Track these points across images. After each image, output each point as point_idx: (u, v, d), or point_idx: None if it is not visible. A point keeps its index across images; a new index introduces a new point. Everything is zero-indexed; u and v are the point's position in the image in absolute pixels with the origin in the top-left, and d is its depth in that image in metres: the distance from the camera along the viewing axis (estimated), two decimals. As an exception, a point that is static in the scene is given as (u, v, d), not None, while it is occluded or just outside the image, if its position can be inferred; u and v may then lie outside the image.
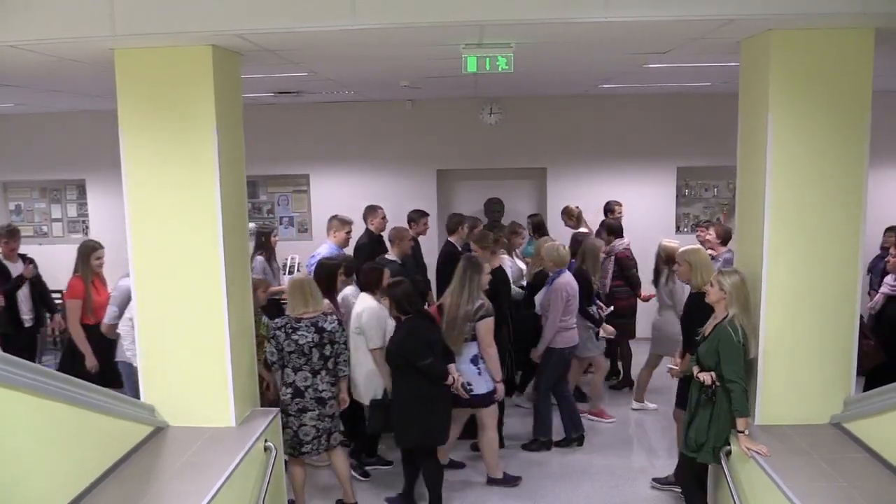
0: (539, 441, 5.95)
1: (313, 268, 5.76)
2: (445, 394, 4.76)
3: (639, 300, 7.25)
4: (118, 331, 5.14)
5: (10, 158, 9.21)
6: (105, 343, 5.45)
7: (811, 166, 3.95)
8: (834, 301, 4.04)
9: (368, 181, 8.94)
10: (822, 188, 3.96)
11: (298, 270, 7.16)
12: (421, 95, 8.31)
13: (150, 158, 4.07)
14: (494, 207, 8.93)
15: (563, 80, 7.02)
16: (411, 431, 4.76)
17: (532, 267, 6.61)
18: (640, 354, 7.58)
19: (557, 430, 6.04)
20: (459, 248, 6.72)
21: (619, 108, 8.71)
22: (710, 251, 6.14)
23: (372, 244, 6.81)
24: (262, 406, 4.68)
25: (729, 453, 3.99)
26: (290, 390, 4.59)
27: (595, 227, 7.87)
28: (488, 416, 5.18)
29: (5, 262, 6.44)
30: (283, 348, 4.54)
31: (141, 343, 4.25)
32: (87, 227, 9.45)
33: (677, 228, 9.00)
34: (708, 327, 4.13)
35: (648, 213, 8.63)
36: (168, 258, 4.12)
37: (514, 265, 6.64)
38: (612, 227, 7.41)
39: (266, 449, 4.21)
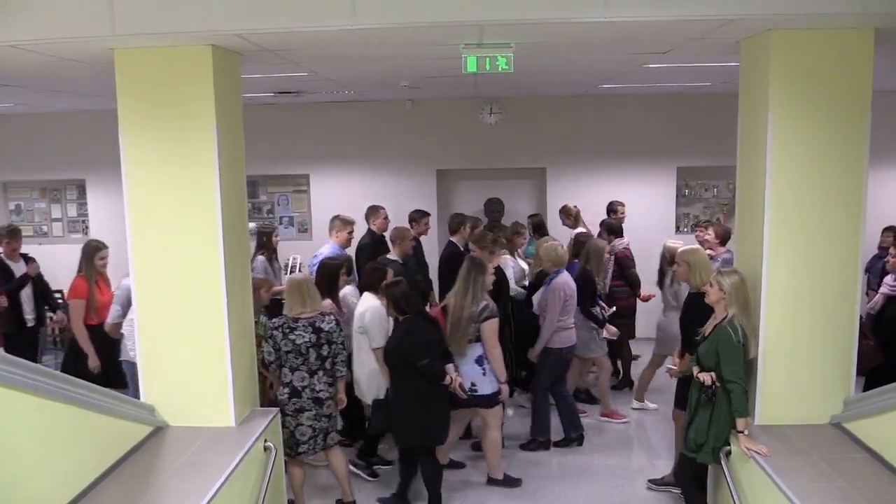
0: (538, 441, 5.95)
1: (315, 268, 5.76)
2: (444, 394, 4.77)
3: (638, 300, 7.26)
4: (122, 330, 5.15)
5: (10, 158, 9.21)
6: (108, 343, 5.46)
7: (811, 166, 3.95)
8: (834, 301, 4.04)
9: (368, 181, 8.94)
10: (822, 188, 3.96)
11: (300, 271, 7.16)
12: (421, 95, 8.30)
13: (150, 158, 4.07)
14: (494, 207, 8.93)
15: (563, 80, 7.02)
16: (410, 431, 4.76)
17: (534, 267, 6.61)
18: (639, 353, 7.64)
19: (557, 431, 6.04)
20: (461, 249, 6.73)
21: (619, 108, 8.70)
22: (708, 251, 6.14)
23: (374, 244, 6.82)
24: (265, 405, 4.68)
25: (729, 453, 3.99)
26: (287, 390, 4.59)
27: (593, 226, 7.86)
28: (492, 416, 5.18)
29: (7, 261, 6.45)
30: (281, 348, 4.54)
31: (141, 343, 4.25)
32: (86, 227, 9.45)
33: (677, 228, 9.00)
34: (708, 327, 4.13)
35: (648, 213, 8.63)
36: (168, 258, 4.12)
37: (516, 265, 6.65)
38: (612, 227, 7.42)
39: (266, 449, 4.21)
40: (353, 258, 6.76)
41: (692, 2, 3.53)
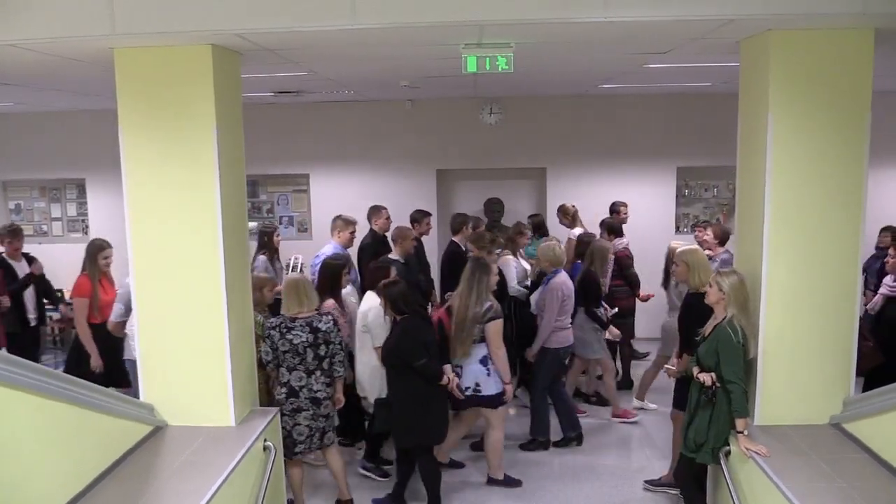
0: (537, 441, 5.95)
1: (318, 268, 5.77)
2: (442, 394, 4.77)
3: (637, 300, 7.26)
4: (126, 330, 5.15)
5: (9, 157, 9.20)
6: (111, 341, 5.47)
7: (811, 166, 3.95)
8: (834, 301, 4.04)
9: (368, 181, 8.93)
10: (822, 188, 3.96)
11: (301, 271, 7.17)
12: (421, 95, 8.30)
13: (150, 158, 4.07)
14: (494, 207, 8.93)
15: (563, 80, 7.02)
16: (408, 431, 4.76)
17: (536, 267, 6.62)
18: (648, 351, 7.63)
19: (557, 431, 6.04)
20: (463, 248, 6.73)
21: (619, 108, 8.70)
22: (707, 251, 6.13)
23: (376, 244, 6.82)
24: (268, 404, 4.68)
25: (728, 454, 3.99)
26: (284, 390, 4.60)
27: (592, 226, 7.85)
28: (496, 416, 5.19)
29: (9, 261, 6.46)
30: (278, 348, 4.54)
31: (141, 343, 4.25)
32: (86, 227, 9.45)
33: (677, 228, 9.00)
34: (708, 328, 4.13)
35: (648, 214, 8.63)
36: (168, 258, 4.12)
37: (518, 265, 6.64)
38: (612, 227, 7.42)
39: (265, 448, 4.21)
40: (355, 258, 6.77)
41: (692, 2, 3.53)
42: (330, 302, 5.28)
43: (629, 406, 6.69)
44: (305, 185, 9.29)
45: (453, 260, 6.60)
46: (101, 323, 5.55)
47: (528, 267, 6.90)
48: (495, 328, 4.96)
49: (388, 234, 6.81)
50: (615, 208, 7.89)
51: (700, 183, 9.07)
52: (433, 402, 4.73)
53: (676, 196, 8.98)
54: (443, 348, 4.98)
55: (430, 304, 6.93)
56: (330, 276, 5.40)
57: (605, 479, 5.42)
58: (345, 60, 5.24)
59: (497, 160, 8.98)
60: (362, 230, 6.95)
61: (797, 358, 4.07)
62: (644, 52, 4.99)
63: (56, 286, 7.17)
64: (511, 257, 6.63)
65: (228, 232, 4.14)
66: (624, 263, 7.10)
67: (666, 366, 5.03)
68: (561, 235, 7.31)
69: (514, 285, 6.38)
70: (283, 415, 4.57)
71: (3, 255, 6.48)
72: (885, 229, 6.98)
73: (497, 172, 9.19)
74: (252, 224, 7.92)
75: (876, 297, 5.96)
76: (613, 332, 6.32)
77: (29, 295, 6.54)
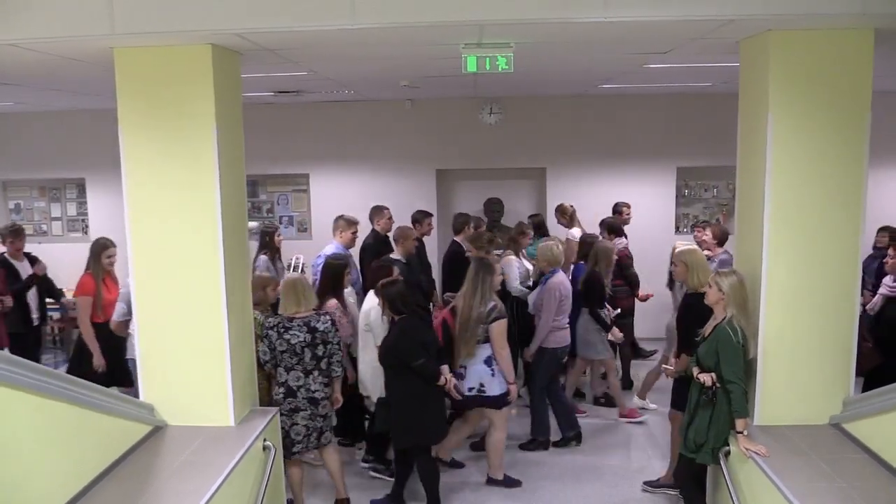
0: (537, 441, 5.95)
1: (320, 268, 5.77)
2: (439, 394, 4.77)
3: (636, 300, 7.26)
4: (129, 329, 5.15)
5: (9, 157, 9.20)
6: (114, 341, 5.47)
7: (811, 166, 3.95)
8: (834, 301, 4.04)
9: (368, 181, 8.93)
10: (822, 188, 3.96)
11: (303, 271, 7.17)
12: (420, 95, 8.30)
13: (150, 158, 4.06)
14: (494, 207, 8.92)
15: (563, 80, 7.02)
16: (406, 431, 4.76)
17: (538, 267, 6.61)
18: (655, 349, 7.62)
19: (556, 431, 6.04)
20: (465, 248, 6.73)
21: (618, 108, 8.70)
22: (706, 252, 6.14)
23: (378, 244, 6.82)
24: (269, 404, 4.68)
25: (728, 454, 3.99)
26: (282, 390, 4.60)
27: (591, 226, 7.85)
28: (499, 417, 5.19)
29: (12, 261, 6.46)
30: (276, 348, 4.54)
31: (140, 342, 4.24)
32: (86, 227, 9.45)
33: (677, 229, 9.01)
34: (708, 328, 4.13)
35: (648, 214, 8.62)
36: (168, 258, 4.12)
37: (521, 265, 6.64)
38: (612, 226, 7.42)
39: (265, 448, 4.21)
40: (357, 258, 6.76)
41: (692, 2, 3.53)
42: (332, 302, 5.28)
43: (630, 404, 6.68)
44: (305, 184, 9.29)
45: (455, 260, 6.60)
46: (105, 322, 5.56)
47: (530, 267, 6.90)
48: (499, 328, 4.96)
49: (390, 235, 6.82)
50: (618, 209, 7.90)
51: (700, 183, 9.07)
52: (431, 402, 4.73)
53: (676, 196, 8.98)
54: (447, 349, 4.99)
55: (431, 304, 6.93)
56: (332, 276, 5.41)
57: (605, 479, 5.43)
58: (344, 60, 5.24)
59: (497, 160, 8.98)
60: (364, 230, 6.95)
61: (797, 358, 4.07)
62: (644, 52, 4.99)
63: (57, 286, 7.17)
64: (514, 257, 6.63)
65: (228, 232, 4.13)
66: (624, 263, 7.10)
67: (664, 366, 5.03)
68: (560, 235, 7.31)
69: (516, 285, 6.38)
70: (280, 414, 4.57)
71: (6, 255, 6.48)
72: (882, 229, 6.99)
73: (497, 172, 9.19)
74: (253, 224, 7.92)
75: (875, 297, 5.96)
76: (616, 336, 6.31)
77: (32, 295, 6.56)
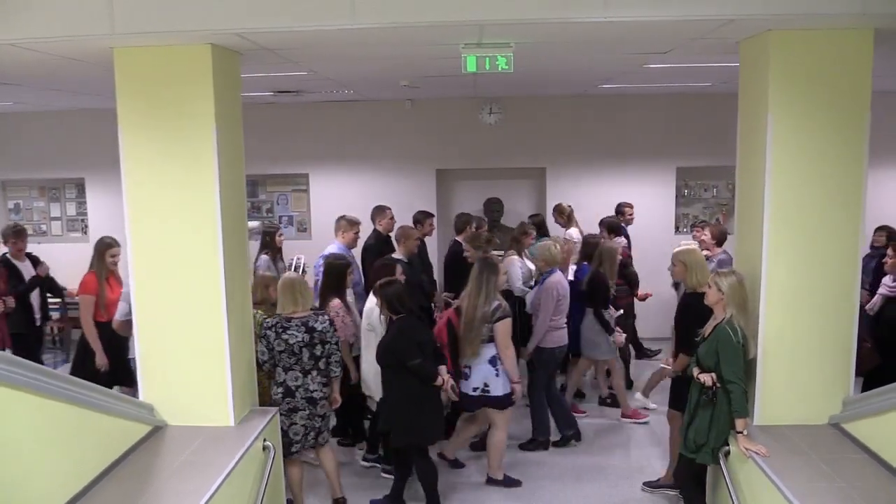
0: (537, 441, 5.95)
1: (322, 268, 5.77)
2: (436, 394, 4.77)
3: (635, 299, 7.26)
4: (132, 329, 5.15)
5: (8, 157, 9.19)
6: (117, 340, 5.47)
7: (811, 166, 3.95)
8: (833, 301, 4.04)
9: (368, 181, 8.93)
10: (822, 188, 3.96)
11: (304, 272, 7.16)
12: (420, 95, 8.30)
13: (150, 157, 4.06)
14: (494, 207, 8.93)
15: (563, 80, 7.02)
16: (402, 431, 4.76)
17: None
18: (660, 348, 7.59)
19: (556, 431, 6.04)
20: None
21: (619, 109, 8.70)
22: (704, 252, 6.14)
23: (379, 244, 6.83)
24: (270, 404, 4.67)
25: (728, 454, 3.99)
26: (280, 390, 4.60)
27: (590, 225, 7.86)
28: (502, 417, 5.19)
29: (14, 261, 6.46)
30: (274, 348, 4.54)
31: (140, 342, 4.24)
32: (86, 226, 9.45)
33: (677, 229, 9.01)
34: (708, 328, 4.13)
35: (648, 214, 8.62)
36: (167, 258, 4.12)
37: (524, 266, 6.64)
38: (612, 226, 7.42)
39: (265, 448, 4.21)
40: (359, 258, 6.76)
41: (692, 2, 3.53)
42: (336, 301, 5.28)
43: (633, 401, 6.68)
44: (305, 184, 9.29)
45: (457, 260, 6.61)
46: (107, 321, 5.56)
47: (533, 267, 6.90)
48: (504, 327, 4.96)
49: (392, 235, 6.82)
50: (620, 209, 7.92)
51: (700, 183, 9.08)
52: (427, 403, 4.73)
53: (676, 196, 8.98)
54: (452, 348, 4.99)
55: (432, 304, 6.93)
56: (335, 276, 5.41)
57: (605, 479, 5.43)
58: (344, 60, 5.24)
59: (497, 160, 8.98)
60: (365, 230, 6.95)
61: (797, 358, 4.07)
62: (644, 52, 4.99)
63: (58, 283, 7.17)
64: (516, 257, 6.62)
65: (228, 232, 4.13)
66: (623, 262, 7.10)
67: (661, 365, 5.03)
68: (558, 235, 7.31)
69: (519, 285, 6.38)
70: (279, 414, 4.57)
71: (7, 255, 6.48)
72: (880, 228, 6.99)
73: (497, 172, 9.19)
74: (254, 223, 7.91)
75: (875, 297, 5.96)
76: (618, 341, 6.30)
77: (34, 295, 6.57)
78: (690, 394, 4.17)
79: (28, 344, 6.30)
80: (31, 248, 7.17)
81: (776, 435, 3.98)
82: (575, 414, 6.39)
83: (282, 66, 5.22)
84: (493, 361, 5.00)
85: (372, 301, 5.15)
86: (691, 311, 4.52)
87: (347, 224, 6.58)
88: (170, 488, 3.54)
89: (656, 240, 8.23)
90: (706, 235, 6.81)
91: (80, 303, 5.73)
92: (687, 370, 4.32)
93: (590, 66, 5.87)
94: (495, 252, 6.52)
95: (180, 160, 4.03)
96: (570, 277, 6.77)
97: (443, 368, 4.80)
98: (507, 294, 5.54)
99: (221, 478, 3.58)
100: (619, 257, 7.07)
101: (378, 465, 5.57)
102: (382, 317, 4.91)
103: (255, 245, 7.01)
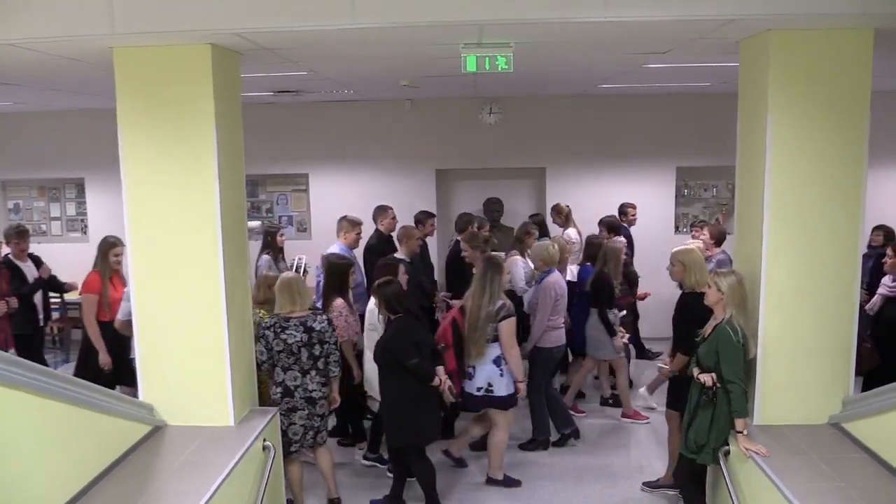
0: (537, 441, 5.95)
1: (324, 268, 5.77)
2: (434, 394, 4.78)
3: (635, 298, 7.27)
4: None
5: (8, 157, 9.19)
6: (119, 339, 5.47)
7: (811, 166, 3.95)
8: (833, 301, 4.04)
9: (367, 181, 8.94)
10: (822, 188, 3.96)
11: (305, 272, 7.16)
12: (420, 95, 8.30)
13: (149, 157, 4.06)
14: (494, 207, 8.93)
15: (562, 80, 7.02)
16: (400, 431, 4.77)
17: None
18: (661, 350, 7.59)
19: (555, 431, 6.04)
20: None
21: (618, 108, 8.71)
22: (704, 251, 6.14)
23: (381, 244, 6.82)
24: (271, 403, 4.68)
25: (727, 453, 3.99)
26: (279, 389, 4.60)
27: (588, 225, 7.86)
28: (504, 418, 5.20)
29: (16, 261, 6.46)
30: (273, 348, 4.55)
31: (140, 342, 4.24)
32: (85, 226, 9.45)
33: (676, 228, 9.02)
34: (707, 328, 4.13)
35: (648, 213, 8.63)
36: (167, 257, 4.12)
37: (526, 266, 6.65)
38: (611, 225, 7.43)
39: (264, 448, 4.21)
40: (361, 259, 6.76)
41: (692, 2, 3.53)
42: (339, 301, 5.28)
43: (637, 398, 6.66)
44: (305, 184, 9.29)
45: (458, 259, 6.61)
46: (110, 321, 5.57)
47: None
48: (509, 327, 4.97)
49: (394, 234, 6.82)
50: (623, 210, 7.93)
51: (699, 183, 9.08)
52: (425, 403, 4.74)
53: (676, 196, 8.99)
54: (457, 348, 4.99)
55: (434, 304, 6.93)
56: (337, 276, 5.41)
57: (605, 478, 5.42)
58: (344, 60, 5.24)
59: (496, 160, 8.98)
60: (366, 230, 6.95)
61: (796, 358, 4.07)
62: (644, 52, 4.99)
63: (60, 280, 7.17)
64: (519, 257, 6.62)
65: (228, 231, 4.13)
66: (623, 262, 7.10)
67: (659, 364, 5.04)
68: (557, 235, 7.32)
69: (521, 285, 6.38)
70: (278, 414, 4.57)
71: (10, 256, 6.48)
72: (877, 228, 6.99)
73: (496, 172, 9.19)
74: (255, 223, 7.91)
75: (875, 297, 5.97)
76: (617, 346, 6.29)
77: (37, 296, 6.57)
78: (690, 394, 4.17)
79: (32, 345, 6.31)
80: (31, 248, 7.18)
81: (776, 435, 3.98)
82: (575, 414, 6.40)
83: (282, 66, 5.22)
84: (497, 361, 5.01)
85: (374, 301, 5.15)
86: (689, 310, 4.52)
87: (349, 225, 6.58)
88: (170, 488, 3.54)
89: (656, 240, 8.23)
90: (705, 235, 6.81)
91: (84, 302, 5.74)
92: (686, 370, 4.32)
93: (590, 65, 5.87)
94: (496, 252, 6.53)
95: (180, 160, 4.03)
96: (570, 278, 6.78)
97: (440, 369, 4.80)
98: (510, 294, 5.54)
99: (221, 478, 3.58)
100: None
101: (378, 464, 5.57)
102: (381, 316, 4.91)
103: (255, 245, 7.01)
